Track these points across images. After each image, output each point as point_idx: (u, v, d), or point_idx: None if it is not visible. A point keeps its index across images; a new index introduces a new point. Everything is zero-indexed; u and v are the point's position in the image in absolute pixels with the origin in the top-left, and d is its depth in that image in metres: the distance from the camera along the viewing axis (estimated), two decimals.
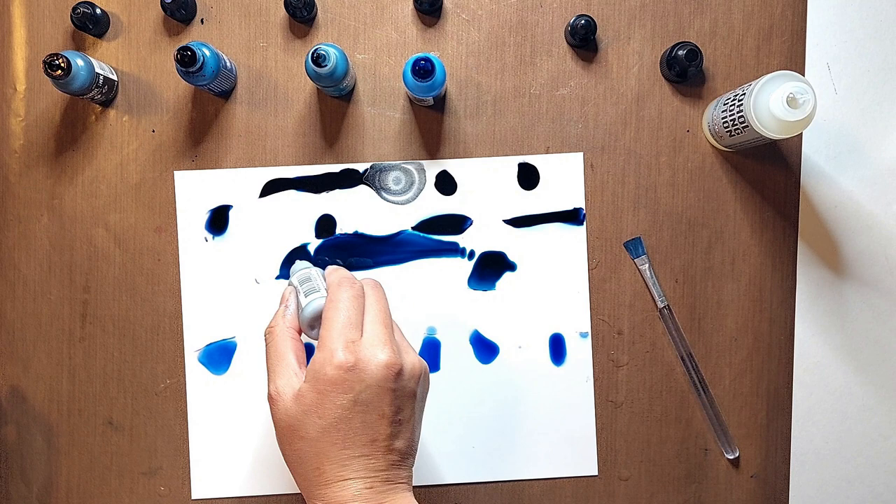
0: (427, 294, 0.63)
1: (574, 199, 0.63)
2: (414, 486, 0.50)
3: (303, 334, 0.52)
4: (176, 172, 0.63)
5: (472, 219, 0.63)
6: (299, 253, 0.63)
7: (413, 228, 0.63)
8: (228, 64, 0.60)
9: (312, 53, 0.55)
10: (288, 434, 0.47)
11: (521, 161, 0.63)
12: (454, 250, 0.63)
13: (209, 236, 0.63)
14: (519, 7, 0.63)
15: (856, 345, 0.63)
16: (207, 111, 0.63)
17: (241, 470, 0.63)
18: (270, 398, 0.48)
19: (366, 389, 0.46)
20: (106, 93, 0.61)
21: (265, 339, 0.51)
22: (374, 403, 0.46)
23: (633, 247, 0.63)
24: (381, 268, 0.63)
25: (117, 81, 0.62)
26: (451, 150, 0.63)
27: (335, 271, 0.52)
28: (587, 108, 0.63)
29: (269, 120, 0.63)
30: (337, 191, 0.63)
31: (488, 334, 0.63)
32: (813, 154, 0.63)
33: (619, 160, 0.63)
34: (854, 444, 0.63)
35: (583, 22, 0.60)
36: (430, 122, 0.63)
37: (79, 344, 0.63)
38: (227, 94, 0.63)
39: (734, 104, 0.56)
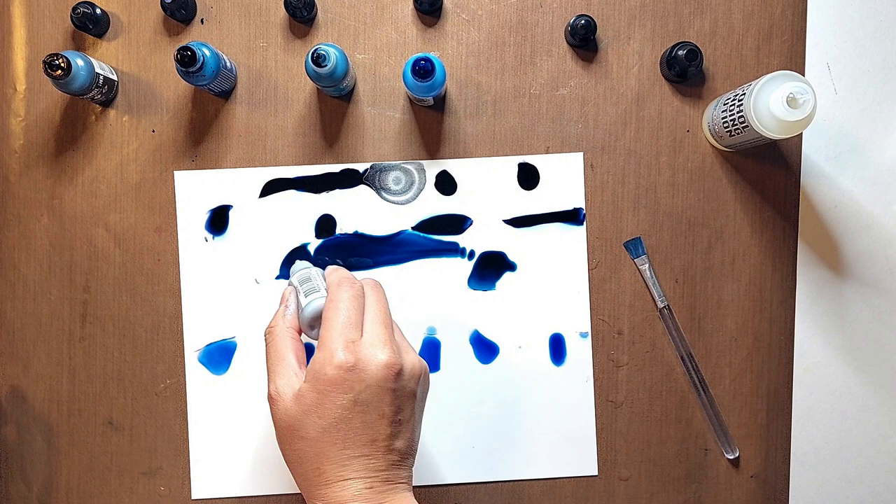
0: (427, 294, 0.63)
1: (574, 199, 0.63)
2: (414, 486, 0.50)
3: (303, 334, 0.52)
4: (176, 172, 0.63)
5: (472, 219, 0.63)
6: (299, 253, 0.63)
7: (413, 228, 0.63)
8: (228, 64, 0.60)
9: (312, 53, 0.55)
10: (288, 434, 0.47)
11: (521, 161, 0.63)
12: (454, 250, 0.63)
13: (209, 236, 0.63)
14: (519, 7, 0.63)
15: (856, 345, 0.63)
16: (207, 111, 0.63)
17: (241, 470, 0.63)
18: (270, 398, 0.48)
19: (366, 389, 0.46)
20: (106, 93, 0.61)
21: (265, 339, 0.51)
22: (374, 403, 0.46)
23: (633, 247, 0.63)
24: (381, 268, 0.63)
25: (117, 81, 0.62)
26: (451, 150, 0.63)
27: (335, 271, 0.52)
28: (587, 108, 0.63)
29: (269, 120, 0.63)
30: (337, 191, 0.63)
31: (488, 334, 0.63)
32: (813, 154, 0.63)
33: (619, 160, 0.63)
34: (854, 444, 0.63)
35: (583, 22, 0.60)
36: (430, 122, 0.63)
37: (79, 344, 0.63)
38: (227, 94, 0.63)
39: (734, 104, 0.56)
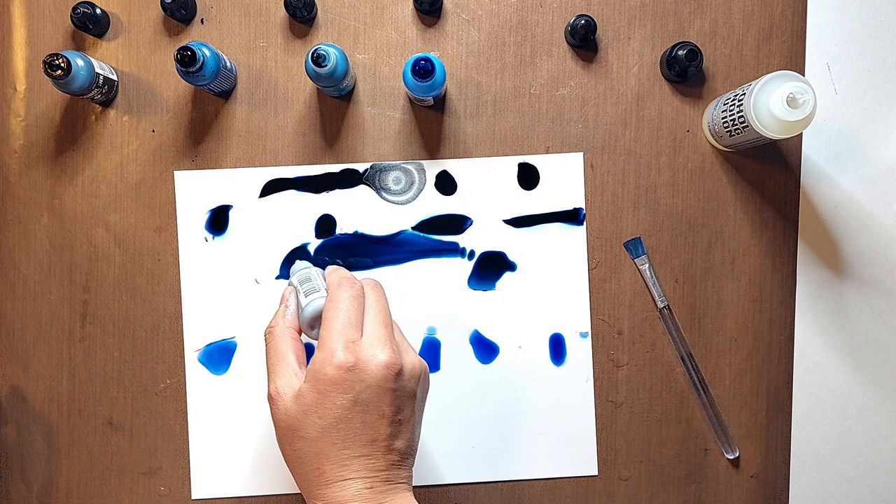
0: (427, 294, 0.63)
1: (574, 199, 0.63)
2: (414, 486, 0.50)
3: (303, 334, 0.52)
4: (176, 172, 0.63)
5: (472, 219, 0.63)
6: (299, 253, 0.63)
7: (413, 228, 0.63)
8: (228, 64, 0.60)
9: (312, 53, 0.55)
10: (288, 434, 0.47)
11: (521, 161, 0.63)
12: (454, 250, 0.63)
13: (209, 236, 0.63)
14: (519, 7, 0.63)
15: (856, 345, 0.63)
16: (207, 111, 0.63)
17: (241, 470, 0.63)
18: (270, 398, 0.48)
19: (366, 389, 0.46)
20: (106, 93, 0.61)
21: (265, 339, 0.51)
22: (374, 403, 0.46)
23: (633, 247, 0.63)
24: (381, 268, 0.63)
25: (117, 81, 0.62)
26: (451, 150, 0.63)
27: (335, 271, 0.52)
28: (587, 108, 0.63)
29: (269, 120, 0.63)
30: (337, 191, 0.63)
31: (488, 334, 0.63)
32: (813, 154, 0.63)
33: (619, 160, 0.63)
34: (854, 444, 0.63)
35: (583, 22, 0.60)
36: (430, 122, 0.63)
37: (79, 344, 0.63)
38: (227, 94, 0.63)
39: (734, 104, 0.56)
